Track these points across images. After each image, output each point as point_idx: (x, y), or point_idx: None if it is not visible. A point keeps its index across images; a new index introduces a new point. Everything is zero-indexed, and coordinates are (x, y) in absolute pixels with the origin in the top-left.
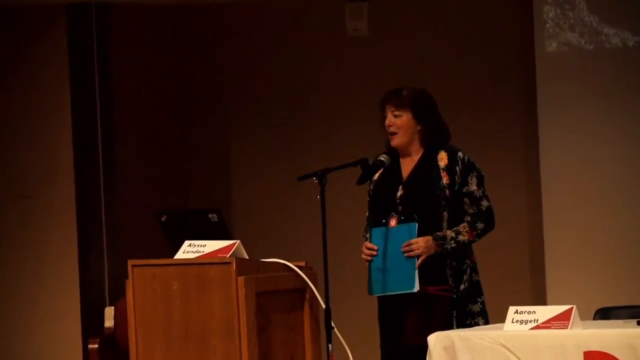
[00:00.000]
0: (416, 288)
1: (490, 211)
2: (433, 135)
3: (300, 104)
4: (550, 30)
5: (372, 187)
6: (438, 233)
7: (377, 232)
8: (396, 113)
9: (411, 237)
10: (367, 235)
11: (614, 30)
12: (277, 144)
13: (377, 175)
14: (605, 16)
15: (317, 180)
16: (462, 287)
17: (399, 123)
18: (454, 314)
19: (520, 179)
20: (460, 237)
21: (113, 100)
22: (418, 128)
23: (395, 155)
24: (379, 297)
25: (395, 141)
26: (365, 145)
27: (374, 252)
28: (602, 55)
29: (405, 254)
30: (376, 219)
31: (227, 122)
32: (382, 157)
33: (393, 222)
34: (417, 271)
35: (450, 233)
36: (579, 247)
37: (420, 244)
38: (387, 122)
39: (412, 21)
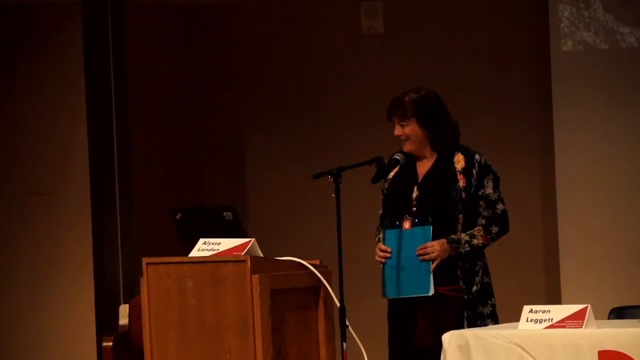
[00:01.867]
0: (431, 292)
1: (505, 215)
2: (442, 139)
3: (315, 102)
4: (565, 29)
5: (386, 185)
6: (453, 236)
7: (391, 233)
8: (402, 123)
9: (426, 240)
10: (380, 235)
11: (630, 29)
12: (292, 142)
13: (392, 173)
14: (621, 15)
15: (332, 179)
16: (474, 288)
17: (407, 132)
18: (465, 315)
19: (535, 179)
20: (475, 241)
21: (128, 97)
22: (425, 134)
23: (411, 154)
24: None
25: (407, 148)
26: (381, 143)
27: (388, 255)
28: (618, 54)
29: (420, 257)
30: (390, 220)
31: (242, 120)
32: (397, 156)
33: (407, 225)
34: (432, 275)
35: (464, 236)
36: (593, 246)
37: (436, 247)
38: (395, 131)
39: (427, 19)
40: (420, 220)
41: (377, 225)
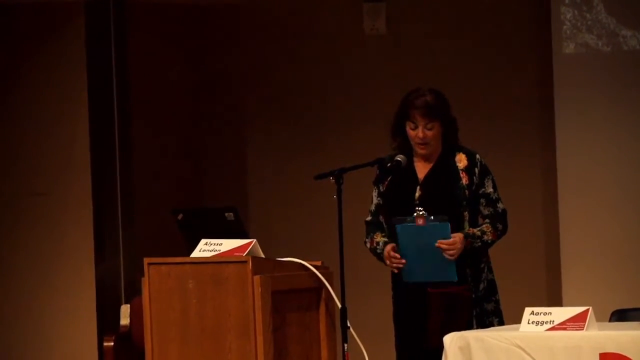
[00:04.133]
0: (456, 278)
1: (506, 214)
2: (451, 134)
3: (317, 103)
4: (568, 31)
5: (383, 189)
6: (467, 231)
7: (406, 228)
8: (429, 126)
9: (445, 235)
10: (378, 240)
11: (632, 32)
12: (294, 142)
13: (389, 177)
14: (623, 18)
15: (333, 180)
16: (481, 286)
17: (431, 135)
18: (474, 314)
19: (537, 180)
20: (485, 237)
21: (130, 96)
22: (442, 133)
23: (409, 155)
24: (394, 298)
25: (426, 151)
26: (383, 145)
27: (401, 265)
28: (619, 57)
29: (446, 254)
30: (398, 218)
31: (244, 120)
32: (400, 158)
33: (420, 221)
34: (454, 263)
35: (477, 232)
36: (595, 248)
37: (458, 245)
38: (419, 134)
39: (430, 21)
40: (435, 217)
41: (366, 232)
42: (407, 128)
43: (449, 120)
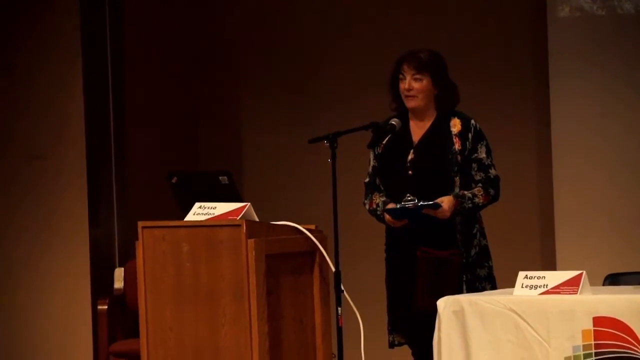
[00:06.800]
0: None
1: (498, 180)
2: (448, 99)
3: (312, 68)
4: None
5: (379, 151)
6: (457, 192)
7: (397, 211)
8: (417, 77)
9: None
10: (370, 201)
11: None
12: (289, 106)
13: (385, 139)
14: None
15: (328, 143)
16: (473, 251)
17: (419, 87)
18: (464, 278)
19: (531, 145)
20: (476, 199)
21: (124, 63)
22: (435, 92)
23: (405, 119)
24: (387, 261)
25: (413, 103)
26: (377, 109)
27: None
28: (614, 21)
29: (437, 215)
30: (390, 196)
31: (238, 85)
32: (394, 121)
33: (410, 206)
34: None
35: (467, 193)
36: (589, 213)
37: (445, 212)
38: (405, 85)
39: None
40: (425, 203)
41: (364, 193)
42: (400, 84)
43: (443, 80)
